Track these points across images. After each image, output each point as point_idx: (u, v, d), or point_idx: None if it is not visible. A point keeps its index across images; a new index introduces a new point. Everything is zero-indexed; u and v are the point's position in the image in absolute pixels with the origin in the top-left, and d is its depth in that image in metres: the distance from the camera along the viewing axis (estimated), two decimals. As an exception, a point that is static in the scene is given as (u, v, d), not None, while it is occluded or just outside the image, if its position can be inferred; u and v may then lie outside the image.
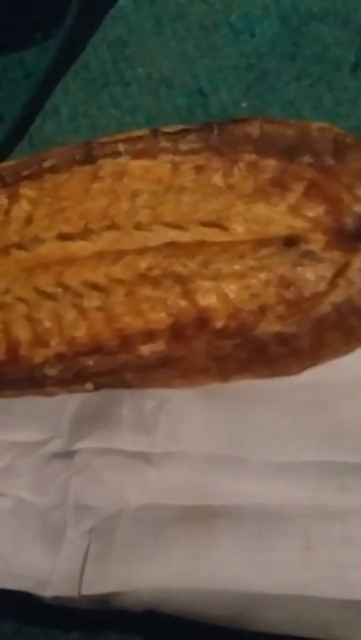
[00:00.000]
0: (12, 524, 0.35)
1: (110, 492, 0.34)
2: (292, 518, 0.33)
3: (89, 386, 0.34)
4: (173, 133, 0.36)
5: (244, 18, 0.46)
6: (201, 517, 0.34)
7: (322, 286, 0.33)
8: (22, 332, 0.34)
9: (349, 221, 0.34)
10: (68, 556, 0.34)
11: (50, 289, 0.34)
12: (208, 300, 0.34)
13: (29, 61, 0.46)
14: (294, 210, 0.34)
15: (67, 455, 0.35)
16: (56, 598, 0.34)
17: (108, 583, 0.33)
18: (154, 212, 0.34)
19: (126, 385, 0.34)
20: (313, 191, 0.34)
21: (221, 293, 0.34)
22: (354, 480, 0.33)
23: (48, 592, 0.34)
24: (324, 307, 0.33)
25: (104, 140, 0.37)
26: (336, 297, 0.33)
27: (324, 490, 0.33)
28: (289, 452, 0.34)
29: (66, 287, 0.34)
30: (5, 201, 0.36)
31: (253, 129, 0.36)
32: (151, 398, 0.35)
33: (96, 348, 0.33)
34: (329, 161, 0.35)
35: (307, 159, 0.35)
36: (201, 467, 0.34)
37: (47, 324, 0.34)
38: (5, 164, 0.38)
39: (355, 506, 0.33)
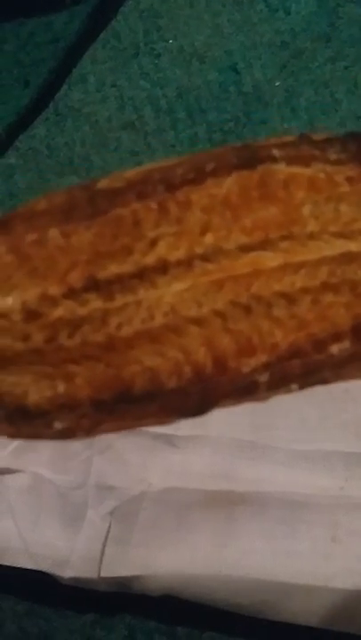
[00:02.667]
0: (30, 502, 0.34)
1: (133, 473, 0.34)
2: (318, 508, 0.33)
3: (294, 387, 0.34)
4: (321, 142, 0.36)
5: (279, -6, 0.45)
6: (225, 503, 0.33)
7: None
8: (226, 345, 0.34)
9: None
10: (88, 536, 0.33)
11: (243, 300, 0.35)
12: None
13: (57, 26, 0.45)
14: None
15: (89, 433, 0.34)
16: (75, 579, 0.33)
17: (128, 566, 0.33)
18: (318, 221, 0.35)
19: (325, 382, 0.35)
20: None
21: None
22: (383, 472, 0.33)
23: (67, 573, 0.33)
24: None
25: (259, 143, 0.37)
26: None
27: (351, 481, 0.33)
28: (316, 441, 0.33)
29: (258, 298, 0.34)
30: (177, 209, 0.35)
31: None
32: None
33: (294, 353, 0.34)
34: None
35: None
36: (225, 452, 0.34)
37: (248, 334, 0.34)
38: (158, 165, 0.36)
39: (384, 498, 0.32)
